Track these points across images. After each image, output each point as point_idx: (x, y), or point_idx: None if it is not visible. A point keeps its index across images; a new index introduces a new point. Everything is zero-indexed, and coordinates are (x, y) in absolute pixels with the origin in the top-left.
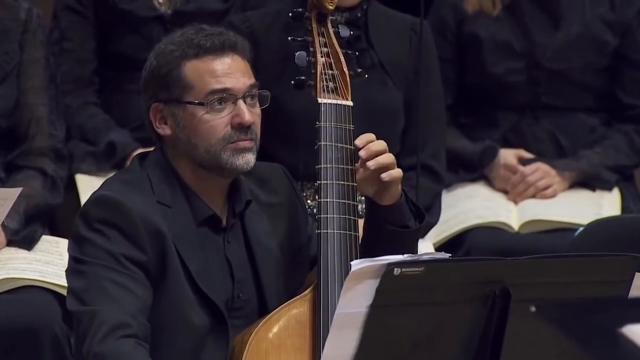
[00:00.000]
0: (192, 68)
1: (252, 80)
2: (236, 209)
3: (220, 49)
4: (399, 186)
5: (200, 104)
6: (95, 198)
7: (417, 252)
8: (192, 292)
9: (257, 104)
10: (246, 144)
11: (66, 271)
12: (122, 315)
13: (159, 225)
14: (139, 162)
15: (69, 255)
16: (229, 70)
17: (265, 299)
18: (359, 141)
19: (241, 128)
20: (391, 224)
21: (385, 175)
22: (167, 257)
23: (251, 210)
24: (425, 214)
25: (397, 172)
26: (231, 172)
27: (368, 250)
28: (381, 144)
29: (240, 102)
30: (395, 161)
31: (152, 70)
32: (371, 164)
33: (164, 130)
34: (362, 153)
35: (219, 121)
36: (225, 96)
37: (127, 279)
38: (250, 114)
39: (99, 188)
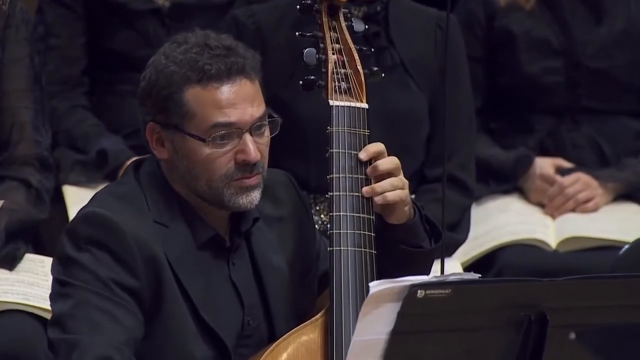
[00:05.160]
0: (194, 95)
1: (260, 111)
2: (242, 227)
3: (226, 75)
4: (407, 208)
5: (202, 139)
6: (84, 215)
7: (429, 272)
8: (194, 324)
9: (267, 132)
10: (251, 181)
11: (50, 296)
12: (105, 348)
13: (155, 249)
14: (134, 173)
15: (52, 277)
16: (235, 100)
17: (273, 325)
18: (363, 154)
19: (246, 165)
20: (402, 243)
21: (379, 199)
22: (163, 286)
23: (257, 227)
24: (442, 233)
25: (395, 195)
26: (233, 210)
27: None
28: (391, 163)
29: (246, 137)
30: (404, 183)
31: (151, 87)
32: (367, 190)
33: (161, 153)
34: (369, 171)
35: (222, 157)
36: (230, 131)
37: (115, 306)
38: (256, 149)
39: (88, 203)
